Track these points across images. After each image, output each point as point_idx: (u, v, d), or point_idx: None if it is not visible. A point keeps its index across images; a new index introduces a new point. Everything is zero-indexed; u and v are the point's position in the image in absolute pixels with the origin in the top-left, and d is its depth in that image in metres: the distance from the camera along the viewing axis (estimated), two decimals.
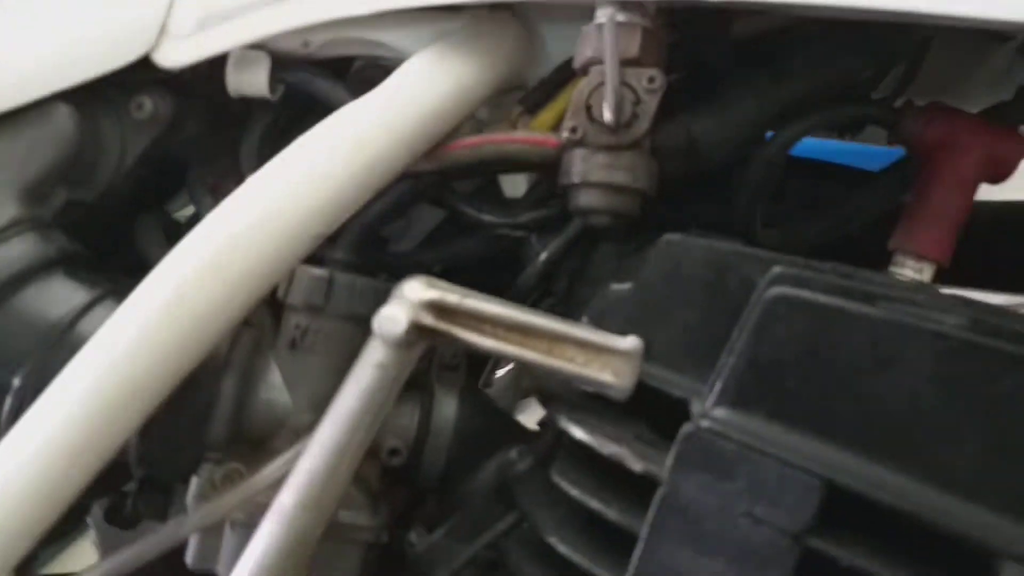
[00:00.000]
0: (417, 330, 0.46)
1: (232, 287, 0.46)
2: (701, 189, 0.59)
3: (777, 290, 0.42)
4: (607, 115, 0.48)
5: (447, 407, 0.56)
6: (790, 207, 0.64)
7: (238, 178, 0.62)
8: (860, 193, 0.61)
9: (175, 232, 0.64)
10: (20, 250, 0.52)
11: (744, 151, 0.55)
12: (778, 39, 0.54)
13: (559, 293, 0.60)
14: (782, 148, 0.54)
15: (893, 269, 0.56)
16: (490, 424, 0.58)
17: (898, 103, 0.59)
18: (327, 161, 0.49)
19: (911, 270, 0.55)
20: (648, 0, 0.48)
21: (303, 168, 0.49)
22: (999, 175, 0.55)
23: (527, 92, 0.58)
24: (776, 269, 0.45)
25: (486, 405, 0.59)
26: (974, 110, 0.65)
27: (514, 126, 0.58)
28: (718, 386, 0.42)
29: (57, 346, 0.51)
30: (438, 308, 0.46)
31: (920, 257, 0.55)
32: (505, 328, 0.47)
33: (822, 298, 0.41)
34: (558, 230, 0.56)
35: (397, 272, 0.62)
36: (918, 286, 0.49)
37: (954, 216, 0.54)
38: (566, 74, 0.57)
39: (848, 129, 0.65)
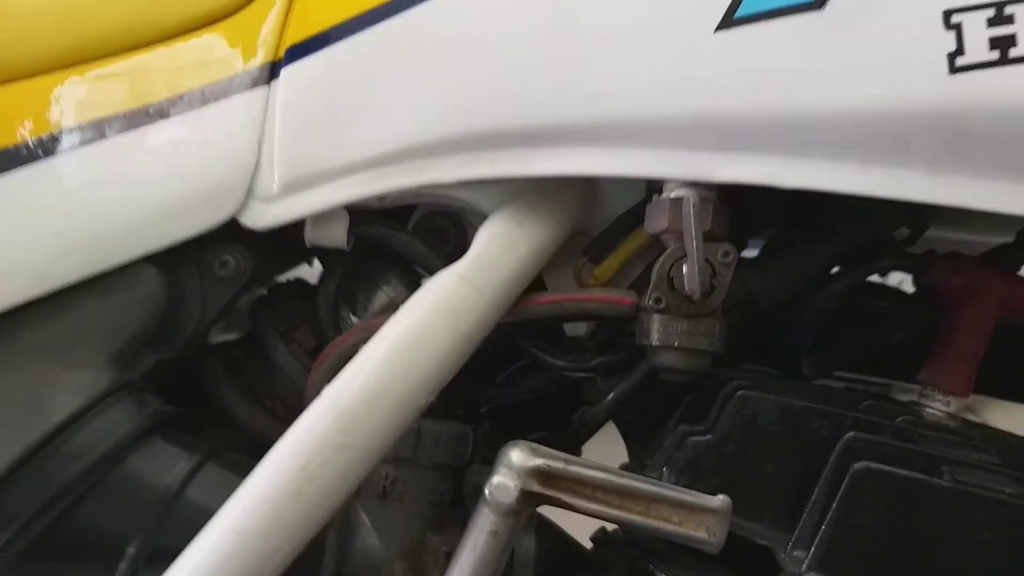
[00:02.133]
0: (526, 497, 0.49)
1: (354, 462, 0.49)
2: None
3: (862, 465, 0.47)
4: (691, 289, 0.53)
5: (526, 544, 0.60)
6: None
7: (312, 324, 0.64)
8: (890, 318, 0.67)
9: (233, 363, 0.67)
10: (119, 419, 0.54)
11: (796, 298, 0.60)
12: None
13: (621, 426, 0.65)
14: (832, 299, 0.60)
15: (923, 400, 0.62)
16: (564, 555, 0.61)
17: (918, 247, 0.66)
18: (432, 334, 0.52)
19: (940, 403, 0.61)
20: (722, 182, 0.53)
21: (410, 342, 0.52)
22: (1014, 316, 0.62)
23: (590, 241, 0.62)
24: (850, 435, 0.51)
25: (559, 536, 0.62)
26: (978, 239, 0.73)
27: (579, 274, 0.62)
28: (812, 550, 0.47)
29: (167, 513, 0.52)
30: (543, 475, 0.50)
31: (946, 392, 0.61)
32: (605, 491, 0.51)
33: (900, 472, 0.47)
34: (623, 371, 0.61)
35: (472, 409, 0.66)
36: (963, 435, 0.55)
37: (974, 356, 0.61)
38: (626, 224, 0.61)
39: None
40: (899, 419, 0.56)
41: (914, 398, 0.62)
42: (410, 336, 0.52)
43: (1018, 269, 0.66)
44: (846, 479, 0.47)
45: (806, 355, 0.64)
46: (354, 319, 0.63)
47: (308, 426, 0.49)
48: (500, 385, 0.65)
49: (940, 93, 0.47)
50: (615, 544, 0.63)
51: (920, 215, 0.64)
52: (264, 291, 0.67)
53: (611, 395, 0.61)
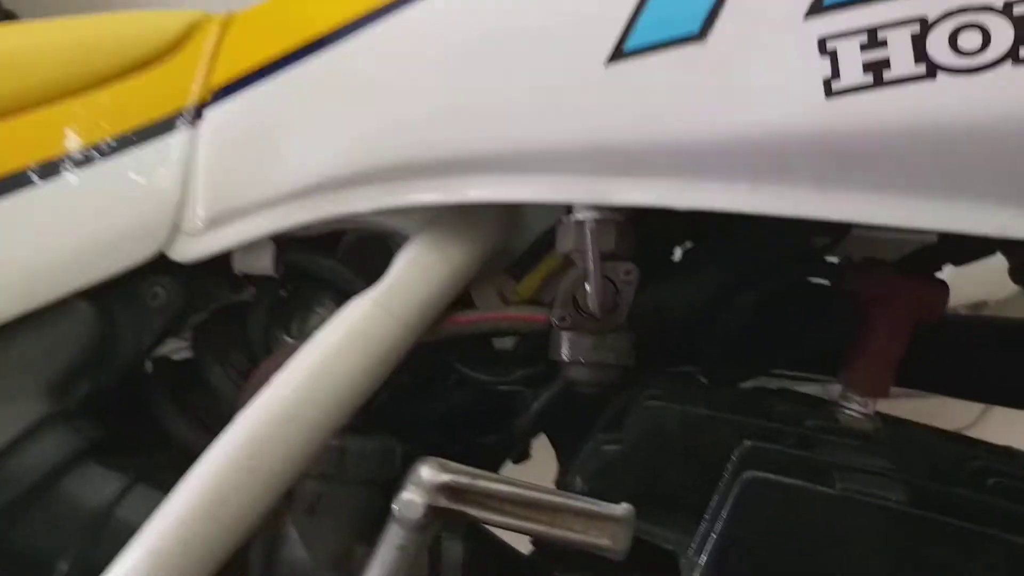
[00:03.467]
0: (433, 512, 0.52)
1: (265, 484, 0.51)
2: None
3: (750, 475, 0.49)
4: (592, 307, 0.54)
5: (454, 551, 0.62)
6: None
7: (245, 346, 0.67)
8: (817, 319, 0.69)
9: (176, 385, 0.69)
10: (53, 444, 0.56)
11: (706, 310, 0.62)
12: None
13: (550, 437, 0.67)
14: (742, 312, 0.61)
15: (842, 403, 0.63)
16: (494, 561, 0.64)
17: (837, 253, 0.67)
18: (344, 360, 0.54)
19: (858, 405, 0.63)
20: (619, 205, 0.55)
21: (322, 368, 0.54)
22: (929, 319, 0.63)
23: (512, 261, 0.64)
24: (746, 444, 0.52)
25: (491, 542, 0.65)
26: (900, 238, 0.74)
27: (501, 291, 0.65)
28: (703, 562, 0.49)
29: (99, 533, 0.55)
30: (451, 490, 0.52)
31: (865, 394, 0.63)
32: (512, 504, 0.52)
33: (787, 481, 0.48)
34: (546, 382, 0.63)
35: (395, 426, 0.68)
36: (869, 438, 0.56)
37: (893, 358, 0.62)
38: (545, 243, 0.63)
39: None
40: (808, 423, 0.57)
41: None
42: (322, 362, 0.54)
43: (939, 270, 0.67)
44: (734, 488, 0.49)
45: (731, 358, 0.66)
46: (289, 341, 0.66)
47: (221, 451, 0.52)
48: (432, 400, 0.68)
49: (818, 117, 0.48)
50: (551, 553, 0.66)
51: (835, 226, 0.66)
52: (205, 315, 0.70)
53: (534, 407, 0.63)
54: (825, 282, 0.66)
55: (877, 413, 0.62)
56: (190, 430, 0.65)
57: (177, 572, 0.49)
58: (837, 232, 0.66)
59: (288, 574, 0.59)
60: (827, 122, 0.48)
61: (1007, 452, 0.65)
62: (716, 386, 0.64)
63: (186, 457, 0.58)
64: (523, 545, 0.69)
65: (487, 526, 0.56)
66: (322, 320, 0.66)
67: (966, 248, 0.66)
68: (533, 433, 0.66)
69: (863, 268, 0.63)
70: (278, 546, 0.59)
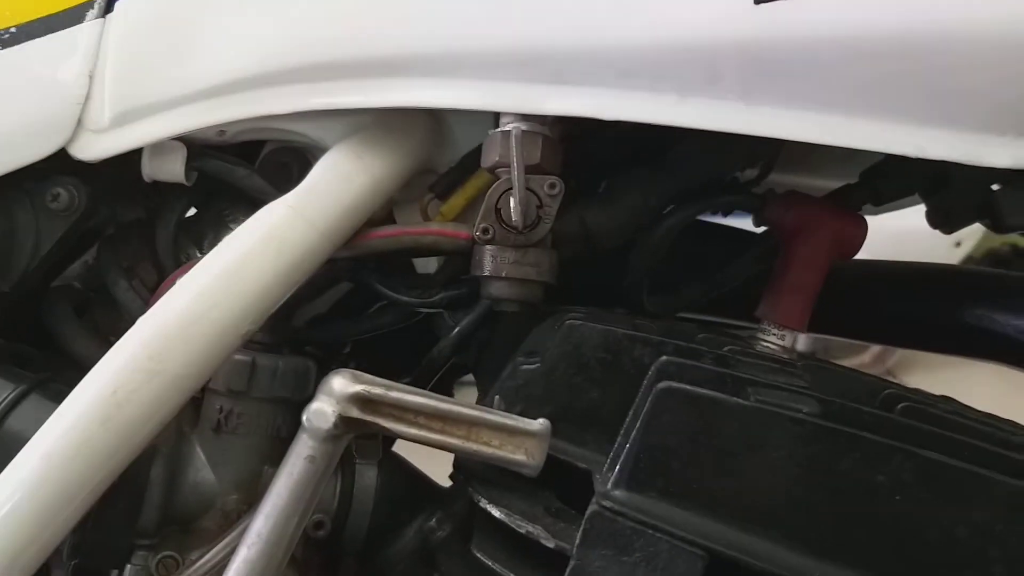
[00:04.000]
0: (344, 423, 0.50)
1: (167, 389, 0.49)
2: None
3: (664, 384, 0.48)
4: (515, 219, 0.53)
5: (367, 476, 0.60)
6: (673, 267, 0.72)
7: (154, 260, 0.64)
8: (736, 257, 0.69)
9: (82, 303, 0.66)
10: None
11: (633, 235, 0.62)
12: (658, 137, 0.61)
13: (469, 361, 0.65)
14: (666, 234, 0.61)
15: (760, 336, 0.64)
16: (408, 488, 0.62)
17: (762, 188, 0.67)
18: (255, 263, 0.52)
19: (776, 337, 0.63)
20: (547, 113, 0.54)
21: (231, 270, 0.51)
22: (847, 254, 0.64)
23: (437, 178, 0.63)
24: (663, 359, 0.52)
25: (404, 469, 0.63)
26: (825, 184, 0.75)
27: (425, 210, 0.63)
28: (616, 470, 0.48)
29: None
30: (363, 400, 0.50)
31: (782, 326, 0.63)
32: (426, 416, 0.51)
33: (701, 391, 0.48)
34: (469, 306, 0.62)
35: (312, 346, 0.66)
36: (786, 364, 0.57)
37: (810, 290, 0.63)
38: (472, 162, 0.62)
39: (722, 212, 0.73)
40: (726, 348, 0.58)
41: None
42: (232, 264, 0.52)
43: (859, 209, 0.68)
44: (650, 398, 0.48)
45: (649, 295, 0.66)
46: (200, 257, 0.63)
47: (120, 352, 0.49)
48: (353, 322, 0.66)
49: (745, 23, 0.48)
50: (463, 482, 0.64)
51: (762, 154, 0.66)
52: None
53: (455, 330, 0.62)
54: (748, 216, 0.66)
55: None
56: (91, 347, 0.61)
57: (71, 476, 0.47)
58: (762, 163, 0.66)
59: (192, 496, 0.57)
60: (753, 29, 0.48)
61: (919, 391, 0.66)
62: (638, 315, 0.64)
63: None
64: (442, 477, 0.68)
65: (399, 449, 0.54)
66: None
67: (885, 189, 0.67)
68: (451, 357, 0.64)
69: (788, 199, 0.63)
70: (182, 467, 0.57)
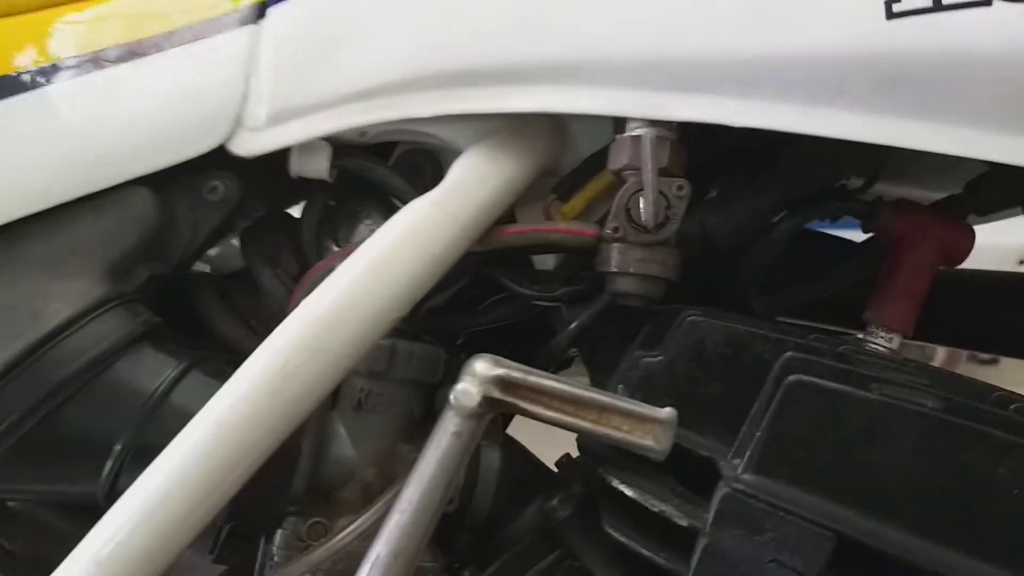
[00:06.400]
0: (487, 402, 0.54)
1: (329, 366, 0.53)
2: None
3: (795, 378, 0.51)
4: (646, 219, 0.57)
5: (491, 457, 0.64)
6: (778, 272, 0.75)
7: (295, 251, 0.68)
8: (839, 263, 0.72)
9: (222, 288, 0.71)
10: (111, 326, 0.57)
11: (747, 237, 0.65)
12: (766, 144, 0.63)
13: (584, 353, 0.69)
14: (781, 238, 0.64)
15: (867, 337, 0.66)
16: (528, 471, 0.66)
17: (869, 196, 0.70)
18: (404, 254, 0.56)
19: (883, 339, 0.66)
20: (679, 119, 0.57)
21: (383, 260, 0.56)
22: (954, 261, 0.66)
23: (559, 180, 0.66)
24: (788, 354, 0.55)
25: (524, 454, 0.67)
26: (921, 195, 0.77)
27: (548, 209, 0.67)
28: (747, 455, 0.51)
29: (153, 415, 0.56)
30: (504, 383, 0.54)
31: (889, 329, 0.65)
32: (560, 400, 0.55)
33: (830, 384, 0.51)
34: (587, 301, 0.65)
35: (444, 335, 0.70)
36: (899, 363, 0.59)
37: (917, 296, 0.65)
38: (594, 165, 0.65)
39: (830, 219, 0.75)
40: (841, 348, 0.60)
41: None
42: (382, 255, 0.56)
43: (963, 219, 0.70)
44: (780, 390, 0.51)
45: (756, 297, 0.69)
46: (336, 248, 0.67)
47: (287, 332, 0.53)
48: (473, 314, 0.69)
49: (877, 38, 0.51)
50: (576, 466, 0.68)
51: (870, 164, 0.68)
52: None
53: (575, 323, 0.65)
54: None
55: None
56: (238, 330, 0.66)
57: (242, 445, 0.51)
58: (871, 171, 0.69)
59: (334, 469, 0.61)
60: (885, 44, 0.51)
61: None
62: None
63: (234, 357, 0.59)
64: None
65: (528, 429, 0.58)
66: (369, 231, 0.68)
67: (989, 199, 0.69)
68: (568, 349, 0.67)
69: (897, 207, 0.65)
70: (326, 443, 0.61)
